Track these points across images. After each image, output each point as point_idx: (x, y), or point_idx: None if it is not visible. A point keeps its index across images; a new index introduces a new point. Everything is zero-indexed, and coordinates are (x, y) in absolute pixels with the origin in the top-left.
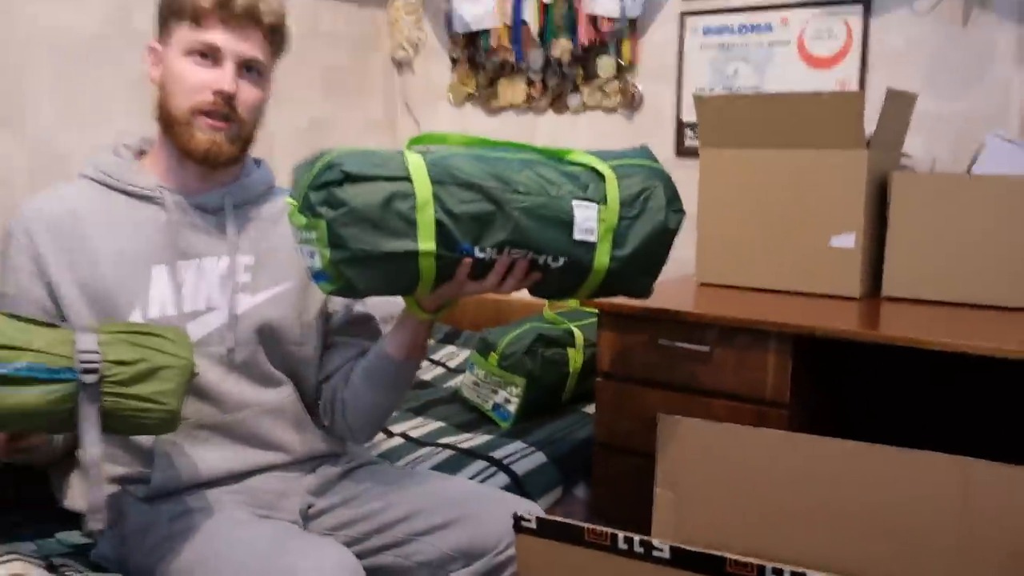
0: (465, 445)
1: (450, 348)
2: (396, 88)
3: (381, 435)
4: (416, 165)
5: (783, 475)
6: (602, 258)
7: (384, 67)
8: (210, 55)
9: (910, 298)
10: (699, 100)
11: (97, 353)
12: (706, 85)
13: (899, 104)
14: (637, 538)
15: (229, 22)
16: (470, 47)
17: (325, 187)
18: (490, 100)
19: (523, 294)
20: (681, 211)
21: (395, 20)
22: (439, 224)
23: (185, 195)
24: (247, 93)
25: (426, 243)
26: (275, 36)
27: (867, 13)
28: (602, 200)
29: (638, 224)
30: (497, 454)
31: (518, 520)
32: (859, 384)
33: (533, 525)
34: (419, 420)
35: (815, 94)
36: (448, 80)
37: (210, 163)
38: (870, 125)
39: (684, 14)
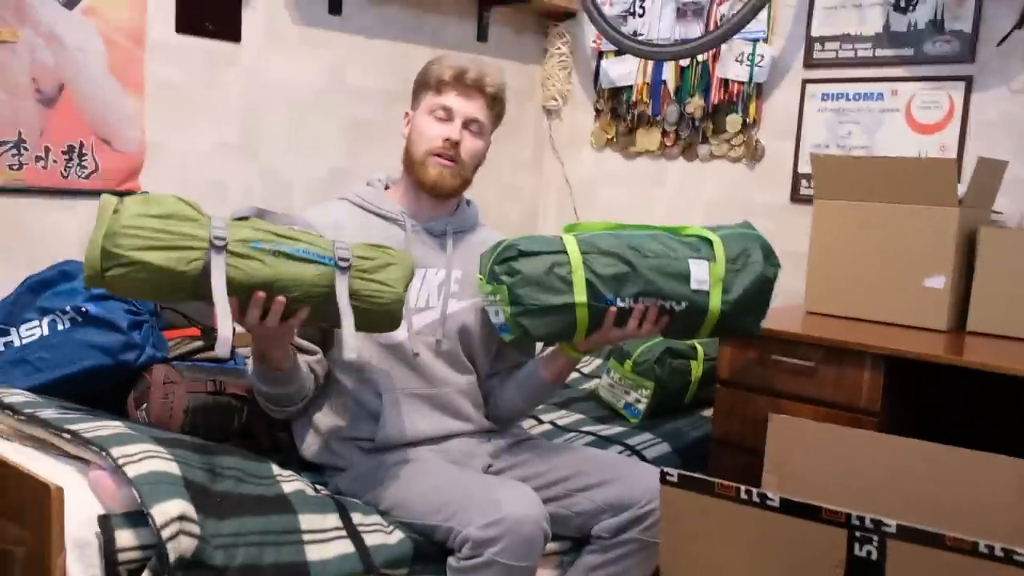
0: (604, 433)
1: (584, 357)
2: (545, 133)
3: (533, 421)
4: (569, 241)
5: (871, 467)
6: (715, 302)
7: (536, 115)
8: (445, 114)
9: (992, 333)
10: (815, 158)
11: (348, 250)
12: (822, 142)
13: (990, 170)
14: (755, 490)
15: (461, 90)
16: (613, 100)
17: (505, 261)
18: (628, 146)
19: None
20: (777, 264)
21: (549, 75)
22: (588, 282)
23: (419, 220)
24: (469, 143)
25: (580, 296)
26: (495, 102)
27: (968, 89)
28: (712, 259)
29: (741, 275)
30: (630, 441)
31: (664, 475)
32: (941, 404)
33: (675, 479)
34: (563, 412)
35: (916, 159)
36: (591, 127)
37: (437, 193)
38: (965, 186)
39: (806, 81)
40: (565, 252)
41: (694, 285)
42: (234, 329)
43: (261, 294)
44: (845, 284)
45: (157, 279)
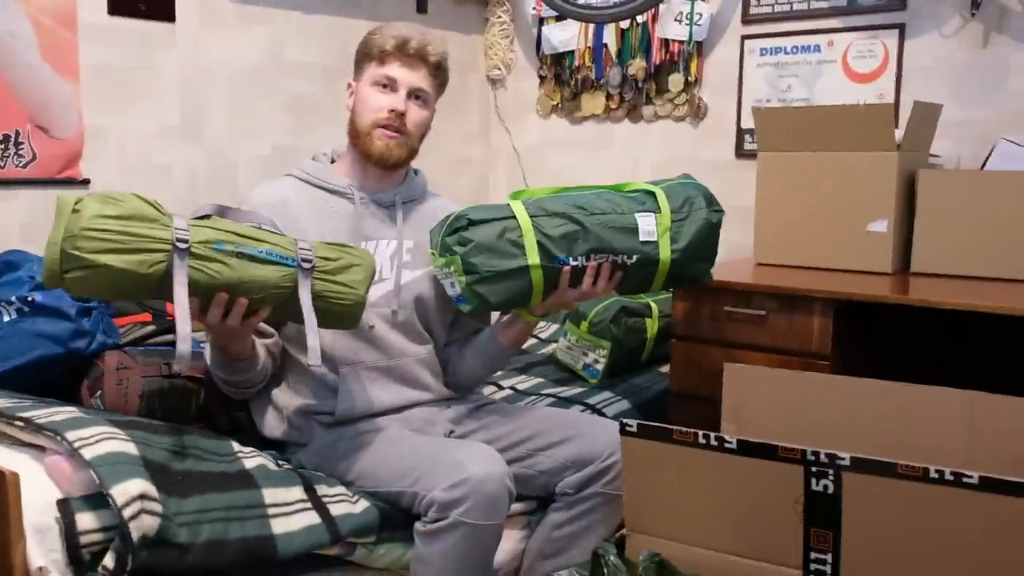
0: (564, 395)
1: (540, 323)
2: (491, 102)
3: (493, 387)
4: (517, 206)
5: (825, 408)
6: (664, 252)
7: (480, 85)
8: (389, 85)
9: (935, 273)
10: (757, 111)
11: (311, 251)
12: (763, 97)
13: (926, 113)
14: (713, 434)
15: (404, 60)
16: (556, 66)
17: (455, 232)
18: (573, 111)
19: None
20: (720, 210)
21: (491, 44)
22: (540, 244)
23: (367, 192)
24: (414, 113)
25: (532, 258)
26: (438, 71)
27: (902, 36)
28: (657, 210)
29: (687, 223)
30: (590, 401)
31: (623, 426)
32: (889, 345)
33: (635, 429)
34: (522, 377)
35: (854, 106)
36: (536, 95)
37: (383, 164)
38: (903, 131)
39: (744, 37)
40: (514, 217)
41: (642, 237)
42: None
43: (224, 295)
44: (792, 234)
45: (118, 281)
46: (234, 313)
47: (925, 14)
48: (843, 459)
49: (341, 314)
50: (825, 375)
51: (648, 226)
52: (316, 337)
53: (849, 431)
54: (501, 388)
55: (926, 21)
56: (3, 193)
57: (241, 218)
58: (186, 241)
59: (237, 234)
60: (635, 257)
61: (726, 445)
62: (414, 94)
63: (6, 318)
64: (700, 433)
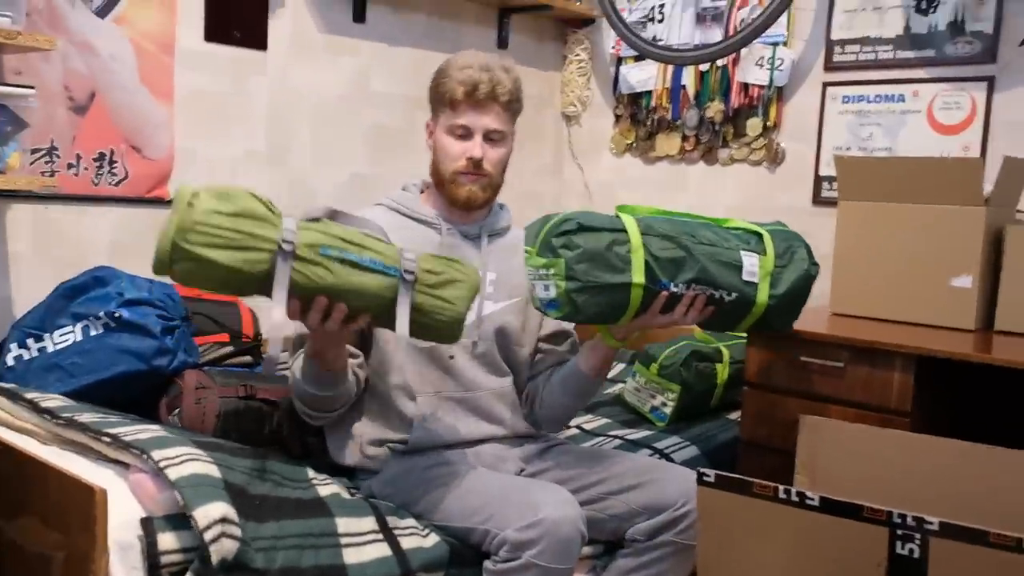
0: (631, 437)
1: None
2: (564, 139)
3: None
4: (628, 221)
5: (904, 467)
6: (762, 295)
7: (555, 121)
8: (463, 133)
9: (1020, 332)
10: (839, 160)
11: (414, 262)
12: (843, 144)
13: (1015, 168)
14: (794, 489)
15: (475, 105)
16: (632, 105)
17: (564, 234)
18: (647, 151)
19: None
20: (817, 264)
21: (568, 81)
22: (647, 264)
23: (453, 224)
24: (492, 153)
25: (638, 277)
26: (511, 104)
27: (991, 89)
28: (762, 252)
29: (788, 271)
30: (658, 445)
31: (701, 475)
32: (972, 404)
33: (712, 480)
34: (589, 416)
35: (942, 159)
36: (610, 133)
37: (470, 207)
38: (989, 186)
39: (826, 84)
40: (625, 231)
41: (745, 276)
42: (260, 335)
43: (323, 300)
44: (870, 285)
45: (223, 276)
46: (333, 318)
47: (1015, 68)
48: (931, 524)
49: (439, 329)
50: (905, 432)
51: (752, 266)
52: (406, 335)
53: (930, 492)
54: (568, 427)
55: (1016, 75)
56: (95, 209)
57: (354, 224)
58: (291, 243)
59: (343, 239)
60: (734, 295)
61: (808, 502)
62: (489, 135)
63: (93, 332)
64: (781, 488)
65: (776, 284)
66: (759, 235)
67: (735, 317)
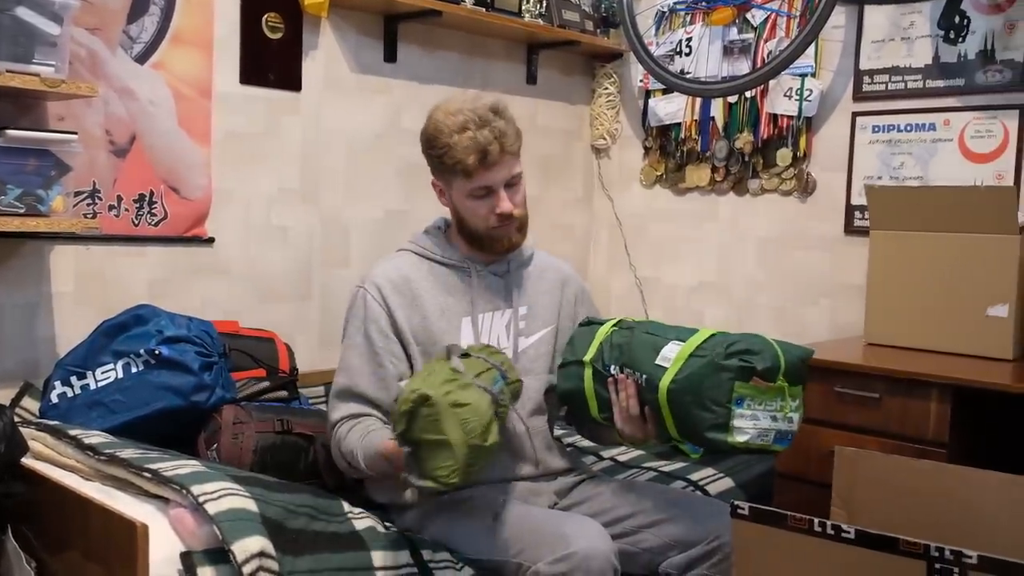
0: (665, 469)
1: None
2: (594, 171)
3: (593, 457)
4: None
5: (942, 499)
6: (665, 379)
7: (584, 154)
8: (485, 192)
9: None
10: (871, 189)
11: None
12: (874, 174)
13: None
14: (830, 523)
15: (489, 166)
16: (661, 137)
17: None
18: (677, 182)
19: None
20: (745, 363)
21: (597, 114)
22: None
23: (482, 264)
24: (516, 198)
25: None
26: (518, 146)
27: (1023, 117)
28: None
29: (696, 359)
30: (693, 477)
31: (735, 508)
32: (1010, 434)
33: (747, 512)
34: (623, 448)
35: (975, 188)
36: (640, 165)
37: (513, 250)
38: (1023, 214)
39: (856, 114)
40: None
41: (658, 360)
42: (296, 370)
43: None
44: (905, 315)
45: None
46: None
47: None
48: (970, 557)
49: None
50: (943, 464)
51: (670, 352)
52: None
53: (968, 525)
54: (601, 459)
55: None
56: (135, 249)
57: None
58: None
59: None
60: (644, 377)
61: (843, 535)
62: (508, 184)
63: (134, 369)
64: (816, 521)
65: (683, 369)
66: (714, 334)
67: (654, 408)
